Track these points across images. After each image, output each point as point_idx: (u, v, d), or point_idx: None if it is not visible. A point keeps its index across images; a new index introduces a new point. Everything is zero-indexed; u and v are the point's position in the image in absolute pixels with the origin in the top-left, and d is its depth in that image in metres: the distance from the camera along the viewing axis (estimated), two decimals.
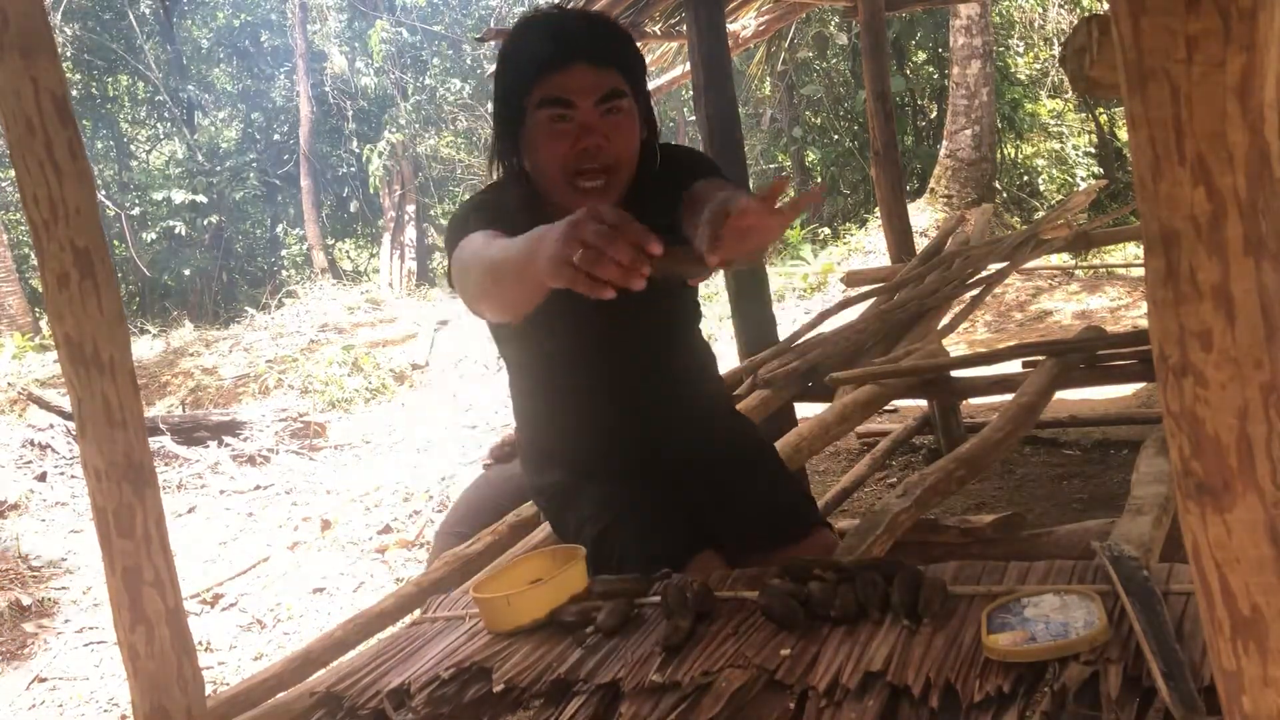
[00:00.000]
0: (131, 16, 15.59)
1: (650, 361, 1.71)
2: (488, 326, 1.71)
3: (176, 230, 15.42)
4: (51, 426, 6.58)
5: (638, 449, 1.71)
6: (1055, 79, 12.28)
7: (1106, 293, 7.85)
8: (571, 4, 1.58)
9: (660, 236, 1.13)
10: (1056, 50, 11.70)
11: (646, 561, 1.48)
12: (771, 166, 13.85)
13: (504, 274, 1.28)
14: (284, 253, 17.50)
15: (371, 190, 16.07)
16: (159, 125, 18.18)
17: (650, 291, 1.62)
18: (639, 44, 5.08)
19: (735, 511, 1.71)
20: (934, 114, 13.02)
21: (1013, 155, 12.08)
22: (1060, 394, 2.74)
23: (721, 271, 3.46)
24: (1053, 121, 12.31)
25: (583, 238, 1.04)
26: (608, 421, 1.70)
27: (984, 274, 3.48)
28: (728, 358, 4.40)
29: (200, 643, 3.57)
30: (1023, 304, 7.99)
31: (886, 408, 3.77)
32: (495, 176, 1.61)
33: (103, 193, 14.61)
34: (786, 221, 1.20)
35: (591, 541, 1.60)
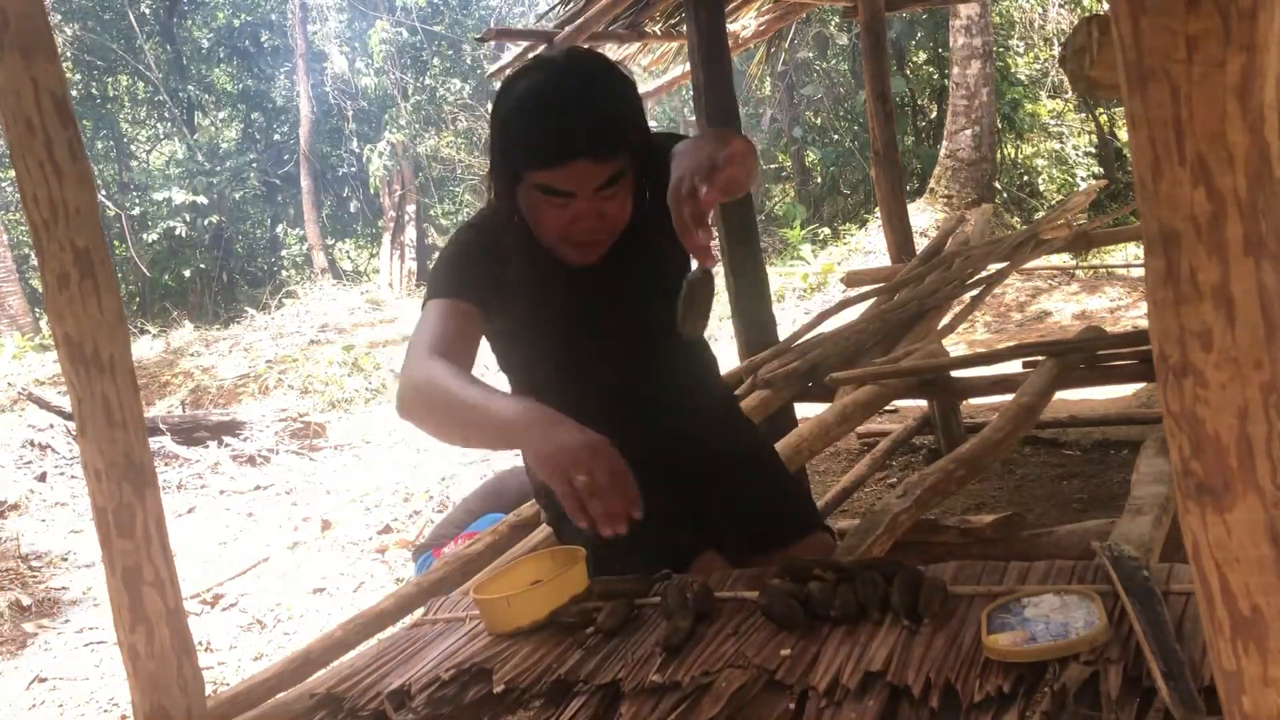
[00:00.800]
0: (131, 16, 15.59)
1: (651, 364, 1.72)
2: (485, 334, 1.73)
3: (176, 230, 15.43)
4: (51, 426, 6.58)
5: (640, 450, 1.70)
6: (1055, 79, 12.29)
7: (1106, 293, 7.85)
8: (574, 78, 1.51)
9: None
10: (1056, 50, 11.71)
11: (649, 561, 1.48)
12: (771, 166, 13.86)
13: (469, 421, 1.33)
14: (284, 253, 17.51)
15: (371, 190, 16.08)
16: (159, 125, 18.19)
17: (649, 295, 1.66)
18: (639, 44, 5.02)
19: (736, 513, 1.72)
20: (934, 114, 13.03)
21: (1013, 155, 12.09)
22: (1060, 394, 2.74)
23: (722, 270, 3.47)
24: (1053, 121, 12.32)
25: (592, 470, 1.20)
26: (610, 424, 1.69)
27: (984, 274, 3.48)
28: (728, 358, 4.40)
29: (200, 643, 3.57)
30: (1022, 304, 8.00)
31: (886, 408, 3.76)
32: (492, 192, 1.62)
33: (103, 193, 14.62)
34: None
35: (591, 546, 1.60)
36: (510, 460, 4.94)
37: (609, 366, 1.68)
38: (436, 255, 1.62)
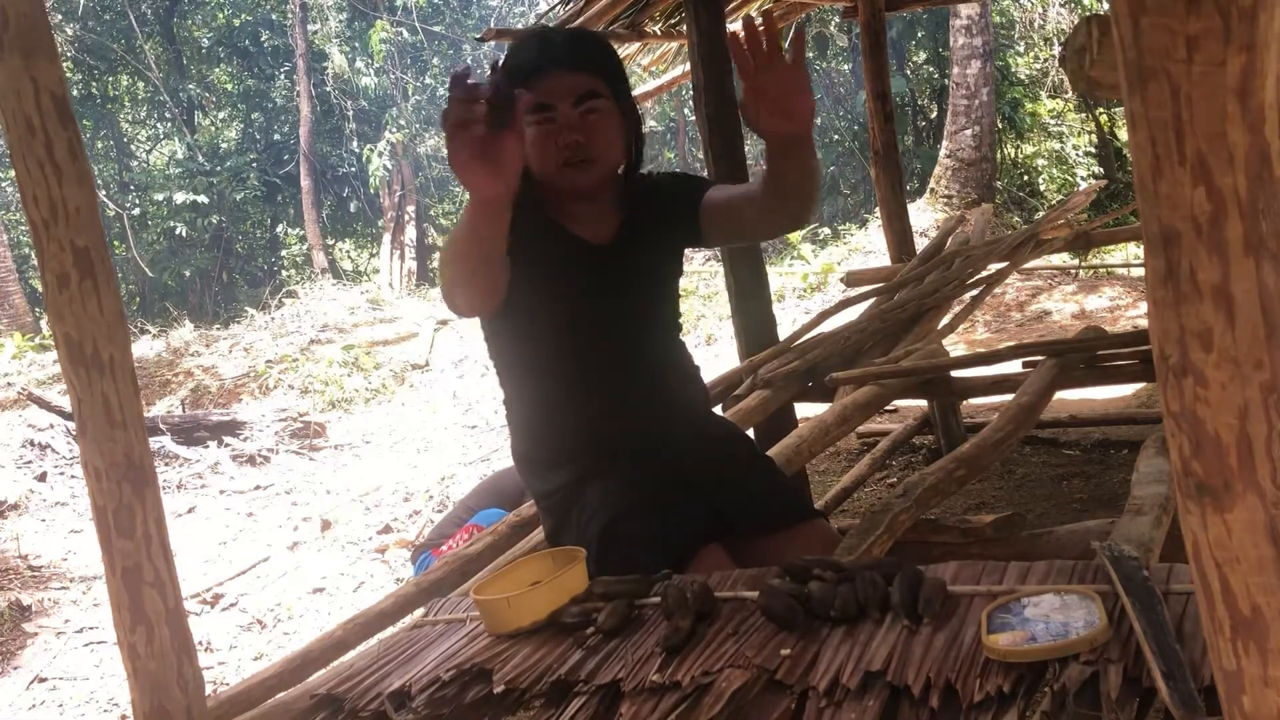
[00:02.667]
0: (131, 16, 15.58)
1: (643, 361, 1.78)
2: (483, 333, 1.81)
3: (177, 230, 15.43)
4: (51, 426, 6.58)
5: (639, 445, 1.73)
6: (1055, 79, 12.29)
7: (1105, 293, 7.85)
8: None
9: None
10: (1056, 50, 11.71)
11: (653, 555, 1.49)
12: None
13: (459, 243, 1.42)
14: (284, 253, 17.50)
15: (371, 190, 16.07)
16: (159, 125, 18.18)
17: (653, 281, 1.72)
18: (640, 44, 5.03)
19: (738, 499, 1.74)
20: (934, 114, 13.03)
21: (1013, 155, 12.09)
22: (1060, 394, 2.74)
23: (723, 270, 3.46)
24: (1053, 121, 12.31)
25: (448, 121, 1.25)
26: (608, 420, 1.74)
27: (984, 274, 3.48)
28: (728, 358, 4.40)
29: (200, 643, 3.57)
30: (1021, 304, 8.00)
31: (886, 408, 3.77)
32: None
33: (103, 193, 14.61)
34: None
35: (598, 535, 1.62)
36: (472, 471, 4.94)
37: (610, 349, 1.74)
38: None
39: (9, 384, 8.51)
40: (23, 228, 14.06)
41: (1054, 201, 10.64)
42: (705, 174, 3.30)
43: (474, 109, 1.24)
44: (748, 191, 1.73)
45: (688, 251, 1.94)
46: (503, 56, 1.68)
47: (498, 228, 1.37)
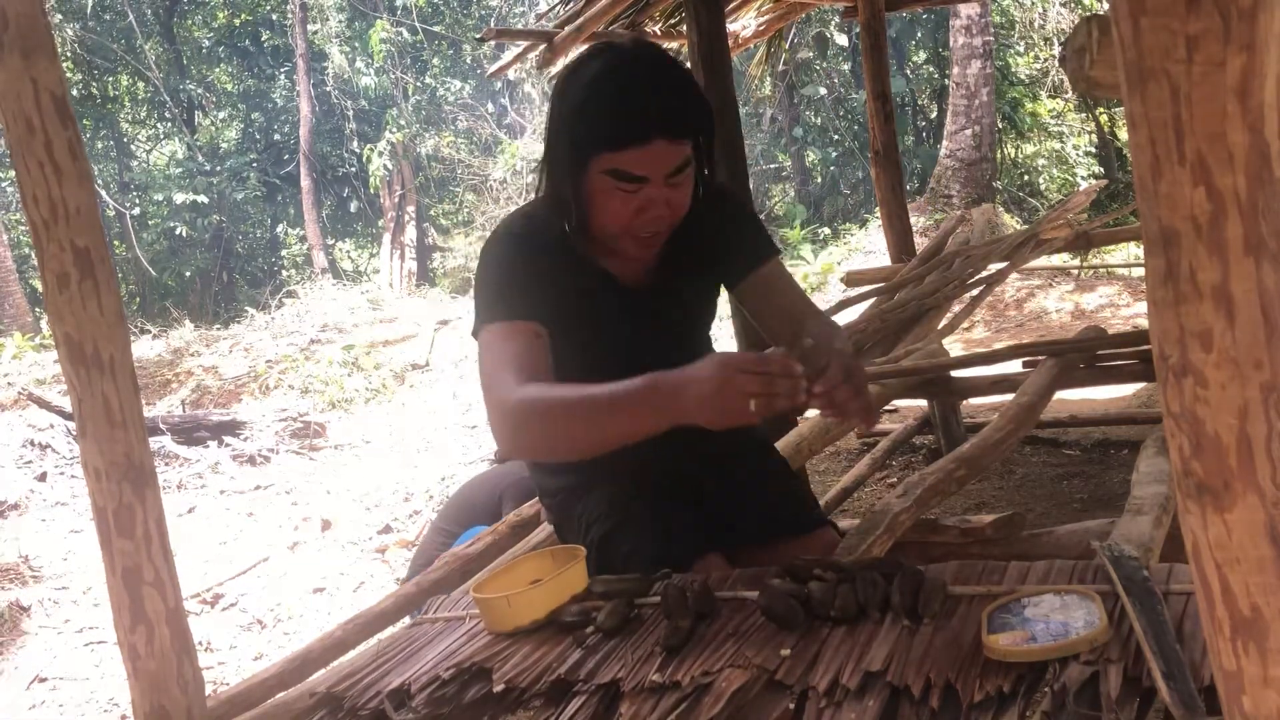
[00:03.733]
0: (131, 16, 15.58)
1: (665, 363, 1.70)
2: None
3: (177, 230, 15.43)
4: (51, 426, 6.58)
5: (648, 449, 1.69)
6: (1055, 79, 12.29)
7: (1103, 291, 7.85)
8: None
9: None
10: (1057, 50, 11.71)
11: (652, 562, 1.48)
12: (771, 166, 13.86)
13: (599, 417, 1.33)
14: (284, 253, 17.50)
15: (371, 190, 16.07)
16: (159, 125, 18.18)
17: (686, 312, 1.69)
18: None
19: (742, 505, 1.72)
20: (934, 114, 13.03)
21: (1013, 155, 12.09)
22: (1060, 394, 2.74)
23: None
24: (1053, 121, 12.32)
25: (749, 390, 1.21)
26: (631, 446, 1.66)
27: (984, 274, 3.48)
28: None
29: (200, 643, 3.57)
30: (1020, 303, 8.00)
31: (886, 408, 3.76)
32: (539, 190, 1.59)
33: (104, 192, 14.61)
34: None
35: (599, 541, 1.60)
36: (471, 471, 4.91)
37: (626, 370, 1.64)
38: (478, 269, 1.54)
39: (9, 384, 8.51)
40: (23, 228, 14.06)
41: (1054, 201, 10.63)
42: None
43: (786, 391, 1.21)
44: (780, 323, 1.65)
45: None
46: (572, 85, 1.46)
47: (648, 431, 1.33)
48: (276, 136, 17.36)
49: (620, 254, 1.55)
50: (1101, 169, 11.95)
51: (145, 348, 9.94)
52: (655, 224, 1.47)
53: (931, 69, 13.05)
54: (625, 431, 1.35)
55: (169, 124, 17.62)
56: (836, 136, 13.31)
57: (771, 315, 1.67)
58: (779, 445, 2.18)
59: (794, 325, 1.62)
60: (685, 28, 3.75)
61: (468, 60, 16.07)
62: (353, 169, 16.62)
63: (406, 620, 1.81)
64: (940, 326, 3.21)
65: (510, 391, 1.40)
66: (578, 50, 4.60)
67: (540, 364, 1.45)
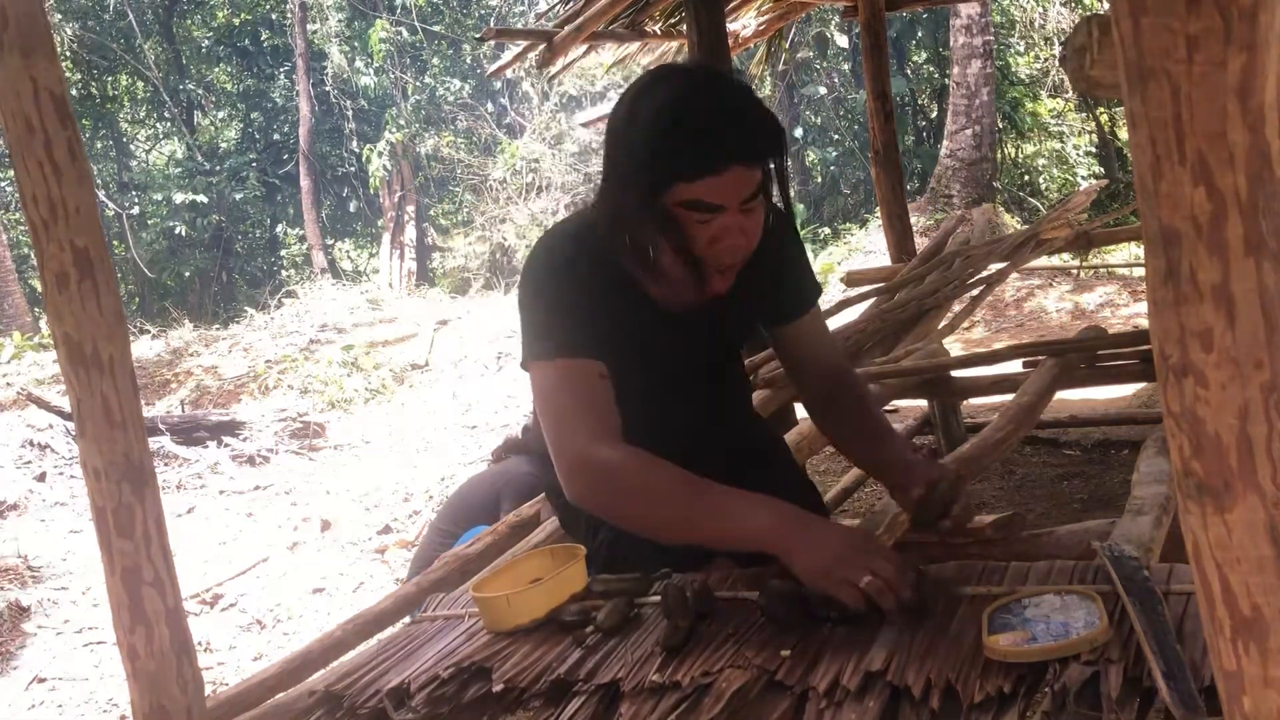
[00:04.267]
0: (131, 16, 15.58)
1: (702, 389, 1.67)
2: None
3: (176, 230, 15.42)
4: (51, 426, 6.58)
5: (659, 451, 1.67)
6: (1056, 78, 12.29)
7: (1102, 291, 7.86)
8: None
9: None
10: (1057, 50, 11.71)
11: (662, 563, 1.46)
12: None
13: (705, 526, 1.35)
14: (284, 253, 17.50)
15: (371, 190, 16.07)
16: (159, 125, 18.18)
17: (733, 343, 1.70)
18: (640, 44, 5.04)
19: None
20: (934, 114, 13.04)
21: (1013, 155, 12.09)
22: (1060, 394, 2.74)
23: None
24: (1053, 121, 12.32)
25: (872, 569, 1.20)
26: (643, 433, 1.63)
27: (984, 274, 3.48)
28: None
29: (200, 643, 3.57)
30: (1020, 303, 8.00)
31: (887, 408, 3.76)
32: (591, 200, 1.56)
33: (102, 193, 14.61)
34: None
35: (609, 541, 1.59)
36: (471, 471, 4.89)
37: (668, 392, 1.60)
38: (525, 292, 1.49)
39: (9, 384, 8.51)
40: (22, 228, 14.05)
41: (1054, 201, 10.64)
42: None
43: (900, 589, 1.19)
44: (808, 375, 1.68)
45: None
46: (648, 108, 1.40)
47: (741, 546, 1.36)
48: (276, 136, 17.37)
49: (672, 281, 1.49)
50: (1102, 169, 11.95)
51: (145, 348, 9.94)
52: (732, 254, 1.42)
53: (931, 69, 13.05)
54: (718, 538, 1.37)
55: (168, 124, 17.62)
56: (836, 136, 13.32)
57: (801, 363, 1.68)
58: None
59: (820, 379, 1.66)
60: (685, 28, 3.75)
61: (467, 60, 16.07)
62: (352, 169, 16.63)
63: (406, 620, 1.81)
64: (940, 326, 3.21)
65: (592, 445, 1.39)
66: (578, 51, 4.60)
67: (612, 411, 1.43)
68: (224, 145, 17.46)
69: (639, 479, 1.37)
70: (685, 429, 1.57)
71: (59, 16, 14.74)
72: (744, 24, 5.10)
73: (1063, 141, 12.18)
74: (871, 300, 3.51)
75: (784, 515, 1.32)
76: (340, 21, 15.57)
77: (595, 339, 1.44)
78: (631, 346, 1.49)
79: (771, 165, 1.42)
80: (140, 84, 17.16)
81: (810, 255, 10.70)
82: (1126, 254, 8.62)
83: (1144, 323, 1.96)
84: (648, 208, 1.39)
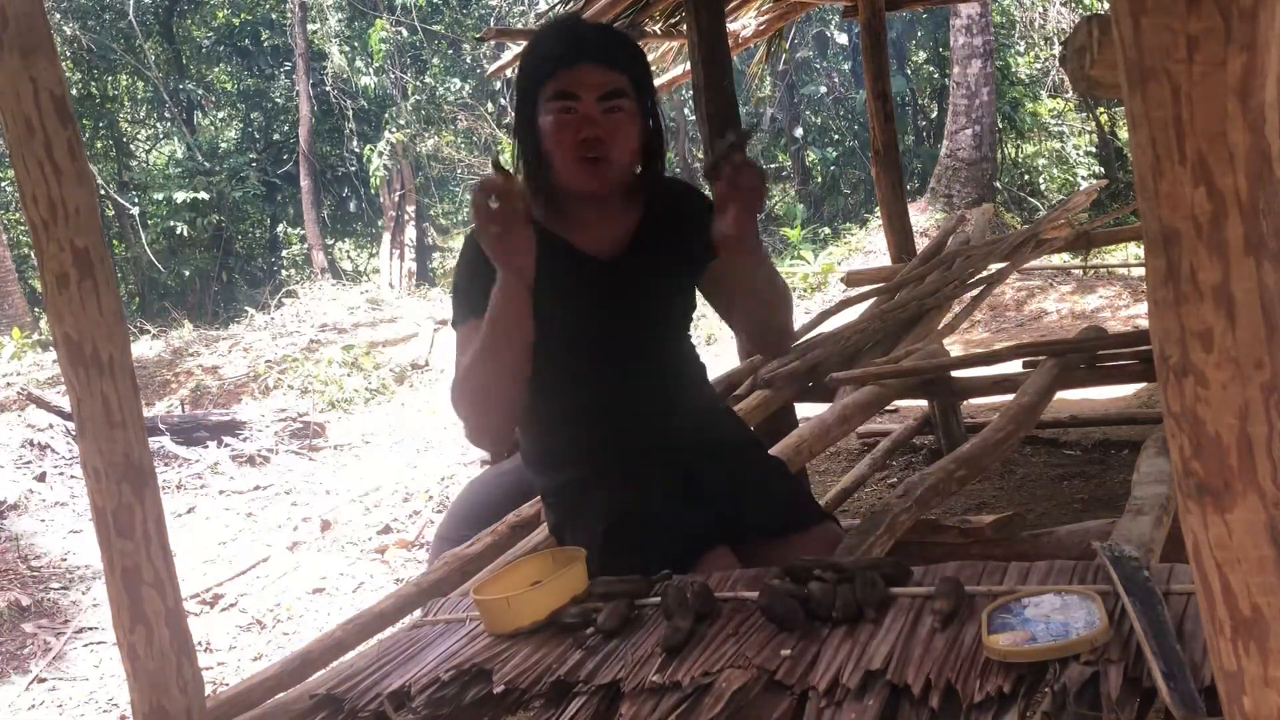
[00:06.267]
0: (131, 16, 15.58)
1: (654, 362, 1.76)
2: None
3: (177, 230, 15.41)
4: (51, 426, 6.57)
5: (648, 445, 1.72)
6: (1056, 78, 12.29)
7: (1102, 291, 7.85)
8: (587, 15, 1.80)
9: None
10: (1057, 50, 11.71)
11: (656, 559, 1.48)
12: (772, 166, 13.86)
13: (487, 344, 1.54)
14: (284, 253, 17.49)
15: (371, 190, 16.06)
16: (159, 125, 18.16)
17: (660, 295, 1.74)
18: (641, 44, 5.07)
19: (747, 504, 1.73)
20: (934, 114, 13.04)
21: (1013, 155, 12.09)
22: (1061, 394, 2.74)
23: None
24: (1053, 121, 12.32)
25: (481, 217, 1.44)
26: (617, 431, 1.72)
27: (984, 274, 3.48)
28: (728, 358, 4.40)
29: (200, 643, 3.57)
30: (1020, 303, 8.00)
31: (887, 408, 3.76)
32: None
33: (102, 192, 14.60)
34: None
35: (602, 538, 1.61)
36: (471, 471, 4.90)
37: (618, 361, 1.72)
38: (455, 267, 1.76)
39: (8, 384, 8.50)
40: (22, 228, 14.05)
41: (1054, 201, 10.64)
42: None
43: (490, 209, 1.42)
44: (742, 311, 1.79)
45: None
46: (525, 47, 1.71)
47: (517, 308, 1.50)
48: (276, 136, 17.36)
49: (583, 224, 1.67)
50: (1102, 169, 11.95)
51: (145, 348, 9.93)
52: (595, 146, 1.58)
53: (932, 69, 13.05)
54: (506, 347, 1.54)
55: (168, 123, 17.61)
56: (837, 136, 13.32)
57: (733, 302, 1.78)
58: (780, 446, 2.18)
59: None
60: (685, 28, 3.75)
61: (467, 60, 16.06)
62: (352, 168, 16.61)
63: (406, 620, 1.81)
64: (940, 326, 3.21)
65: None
66: None
67: None
68: (224, 145, 17.44)
69: (459, 372, 1.61)
70: (627, 396, 1.72)
71: (59, 16, 14.74)
72: (744, 24, 5.10)
73: (1063, 141, 12.18)
74: (871, 300, 3.51)
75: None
76: (340, 21, 15.56)
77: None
78: (559, 297, 1.62)
79: (633, 84, 1.61)
80: (140, 84, 17.15)
81: (810, 255, 10.73)
82: (1126, 254, 8.62)
83: (1144, 323, 1.96)
84: (532, 120, 1.63)
